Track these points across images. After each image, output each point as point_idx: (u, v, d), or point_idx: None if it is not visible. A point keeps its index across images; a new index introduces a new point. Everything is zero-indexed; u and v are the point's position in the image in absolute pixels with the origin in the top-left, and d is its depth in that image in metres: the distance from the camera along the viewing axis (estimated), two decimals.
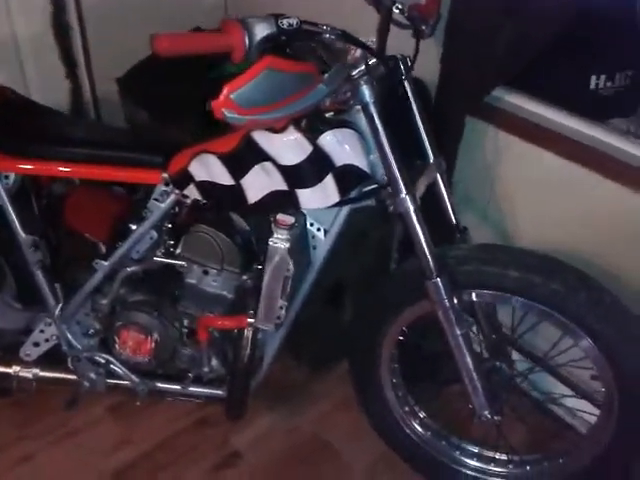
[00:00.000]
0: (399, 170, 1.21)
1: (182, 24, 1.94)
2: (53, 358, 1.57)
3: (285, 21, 1.01)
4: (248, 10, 2.09)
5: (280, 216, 1.29)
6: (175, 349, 1.50)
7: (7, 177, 1.39)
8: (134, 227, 1.43)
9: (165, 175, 1.36)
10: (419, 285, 1.31)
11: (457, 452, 1.57)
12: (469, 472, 1.56)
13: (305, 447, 1.72)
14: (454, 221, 1.42)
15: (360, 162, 1.24)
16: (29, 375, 1.54)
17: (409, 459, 1.61)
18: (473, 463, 1.56)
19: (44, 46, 2.08)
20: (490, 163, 1.68)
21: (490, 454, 1.55)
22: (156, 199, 1.40)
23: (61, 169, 1.38)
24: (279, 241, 1.29)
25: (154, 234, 1.44)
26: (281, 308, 1.35)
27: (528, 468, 1.51)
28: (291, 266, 1.30)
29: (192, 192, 1.34)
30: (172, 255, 1.44)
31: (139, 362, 1.50)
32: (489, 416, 1.37)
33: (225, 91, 0.99)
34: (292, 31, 1.02)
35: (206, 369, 1.50)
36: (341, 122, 1.23)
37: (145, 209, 1.41)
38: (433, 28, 1.38)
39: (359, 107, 1.22)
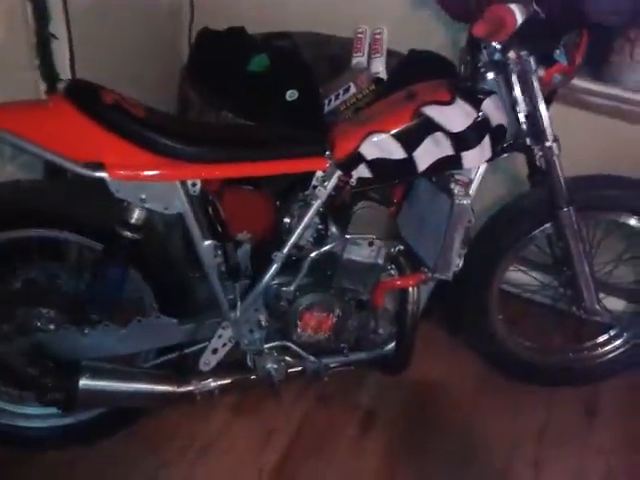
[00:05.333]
0: (550, 121, 1.52)
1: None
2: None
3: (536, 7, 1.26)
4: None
5: (459, 176, 1.51)
6: (349, 321, 1.61)
7: (194, 185, 1.36)
8: (288, 220, 1.53)
9: (331, 160, 1.47)
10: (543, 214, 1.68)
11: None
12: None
13: (423, 389, 1.95)
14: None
15: (504, 121, 1.51)
16: (211, 385, 1.51)
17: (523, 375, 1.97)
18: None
19: (13, 63, 1.89)
20: None
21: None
22: (316, 185, 1.50)
23: (243, 169, 1.40)
24: (462, 197, 1.50)
25: (316, 218, 1.53)
26: (459, 257, 1.56)
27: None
28: (472, 217, 1.53)
29: (361, 172, 1.47)
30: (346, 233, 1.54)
31: (319, 341, 1.58)
32: (597, 306, 1.76)
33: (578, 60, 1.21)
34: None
35: (381, 331, 1.63)
36: (487, 90, 1.49)
37: (307, 196, 1.50)
38: None
39: (493, 76, 1.48)
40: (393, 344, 1.67)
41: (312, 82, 1.97)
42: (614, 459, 1.84)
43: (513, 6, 1.25)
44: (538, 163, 1.59)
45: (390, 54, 2.06)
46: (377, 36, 2.08)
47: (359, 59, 2.08)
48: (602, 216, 1.79)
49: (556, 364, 1.96)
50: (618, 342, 1.95)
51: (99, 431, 1.64)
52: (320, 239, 1.56)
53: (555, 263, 1.82)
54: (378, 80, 2.00)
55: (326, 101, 2.02)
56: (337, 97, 2.01)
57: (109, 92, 1.34)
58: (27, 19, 1.71)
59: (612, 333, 1.97)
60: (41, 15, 1.72)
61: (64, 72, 1.96)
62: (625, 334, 1.94)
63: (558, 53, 1.39)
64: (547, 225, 1.73)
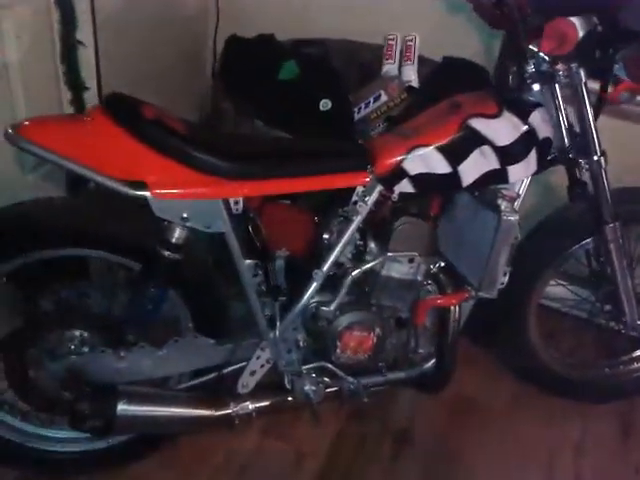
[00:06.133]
0: (597, 135, 1.48)
1: None
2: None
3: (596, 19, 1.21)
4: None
5: (506, 191, 1.46)
6: (389, 340, 1.56)
7: (237, 202, 1.31)
8: (327, 236, 1.48)
9: (372, 175, 1.42)
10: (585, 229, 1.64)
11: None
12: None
13: (457, 406, 1.90)
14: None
15: (551, 134, 1.46)
16: (249, 408, 1.46)
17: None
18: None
19: (39, 72, 1.82)
20: None
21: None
22: (356, 201, 1.45)
23: (286, 185, 1.35)
24: (509, 213, 1.45)
25: (356, 234, 1.49)
26: (505, 274, 1.52)
27: None
28: (519, 234, 1.48)
29: (404, 187, 1.42)
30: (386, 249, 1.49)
31: (359, 361, 1.53)
32: (639, 322, 1.72)
33: None
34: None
35: (421, 350, 1.59)
36: (533, 102, 1.44)
37: (347, 212, 1.45)
38: None
39: (539, 87, 1.43)
40: (431, 362, 1.63)
41: (342, 90, 1.93)
42: None
43: (574, 19, 1.21)
44: (578, 176, 1.55)
45: (422, 61, 2.02)
46: (409, 43, 2.03)
47: (390, 66, 2.04)
48: None
49: (592, 379, 1.93)
50: None
51: (128, 454, 1.59)
52: (359, 255, 1.52)
53: (593, 277, 1.78)
54: (410, 88, 1.96)
55: (356, 109, 1.97)
56: (367, 105, 1.97)
57: (149, 107, 1.28)
58: (53, 25, 1.65)
59: None
60: (68, 21, 1.66)
61: (89, 81, 1.91)
62: None
63: (617, 68, 1.35)
64: (588, 240, 1.69)
